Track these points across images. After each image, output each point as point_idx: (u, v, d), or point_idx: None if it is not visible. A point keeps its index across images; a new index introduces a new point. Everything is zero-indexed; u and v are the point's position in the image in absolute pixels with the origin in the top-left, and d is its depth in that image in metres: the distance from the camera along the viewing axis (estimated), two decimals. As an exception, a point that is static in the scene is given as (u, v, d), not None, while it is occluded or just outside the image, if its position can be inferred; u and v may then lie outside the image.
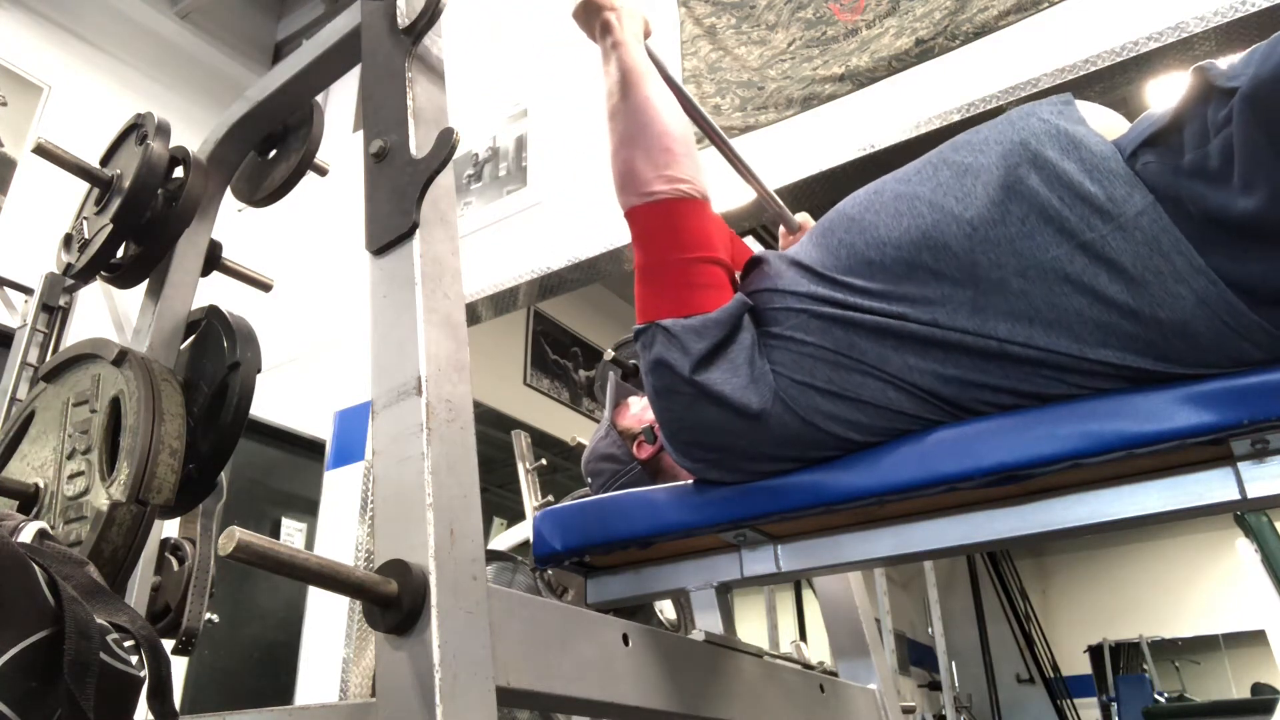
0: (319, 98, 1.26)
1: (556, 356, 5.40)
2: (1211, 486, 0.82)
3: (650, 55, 1.15)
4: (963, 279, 0.87)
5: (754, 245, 1.42)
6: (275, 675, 3.23)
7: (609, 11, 1.12)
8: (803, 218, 1.59)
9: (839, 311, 0.93)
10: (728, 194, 2.50)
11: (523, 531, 2.14)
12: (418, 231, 0.86)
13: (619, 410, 1.36)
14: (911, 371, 0.90)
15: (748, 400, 0.94)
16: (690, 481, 1.06)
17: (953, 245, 0.88)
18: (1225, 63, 0.80)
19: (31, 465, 1.05)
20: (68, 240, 1.24)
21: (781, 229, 1.60)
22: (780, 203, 1.55)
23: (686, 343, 0.95)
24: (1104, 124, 0.90)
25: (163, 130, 1.18)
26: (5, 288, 3.10)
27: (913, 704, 1.93)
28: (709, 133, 1.37)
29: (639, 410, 1.34)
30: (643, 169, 1.02)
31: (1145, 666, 7.49)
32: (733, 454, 0.99)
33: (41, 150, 1.19)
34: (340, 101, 4.09)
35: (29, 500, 1.00)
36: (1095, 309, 0.81)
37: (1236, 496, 0.81)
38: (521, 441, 1.55)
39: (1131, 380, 0.82)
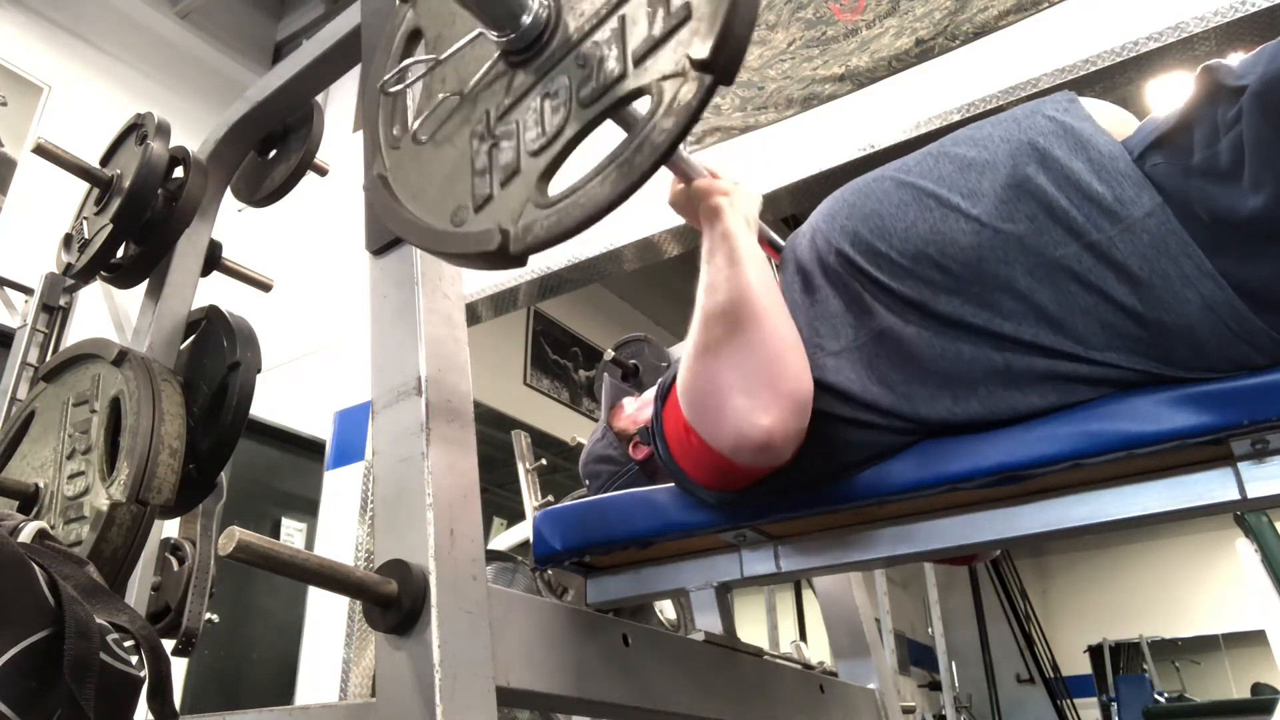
0: (319, 98, 1.26)
1: (556, 356, 5.40)
2: (1211, 486, 0.82)
3: (761, 238, 1.02)
4: (969, 275, 0.86)
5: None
6: (275, 675, 3.23)
7: (719, 197, 0.96)
8: None
9: (845, 298, 0.93)
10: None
11: (523, 531, 2.13)
12: (418, 231, 0.85)
13: (614, 411, 1.36)
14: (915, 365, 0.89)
15: None
16: (690, 481, 1.05)
17: (960, 241, 0.87)
18: (1233, 62, 0.80)
19: (31, 465, 1.05)
20: (68, 240, 1.24)
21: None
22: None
23: None
24: (1110, 121, 0.89)
25: (163, 130, 1.18)
26: (5, 288, 3.09)
27: (913, 704, 1.93)
28: None
29: (634, 411, 1.33)
30: (739, 404, 0.87)
31: (1145, 666, 7.49)
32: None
33: (41, 150, 1.19)
34: (340, 101, 4.08)
35: (29, 500, 1.00)
36: (1102, 309, 0.81)
37: (1236, 496, 0.81)
38: (521, 441, 1.55)
39: (1134, 383, 0.82)
